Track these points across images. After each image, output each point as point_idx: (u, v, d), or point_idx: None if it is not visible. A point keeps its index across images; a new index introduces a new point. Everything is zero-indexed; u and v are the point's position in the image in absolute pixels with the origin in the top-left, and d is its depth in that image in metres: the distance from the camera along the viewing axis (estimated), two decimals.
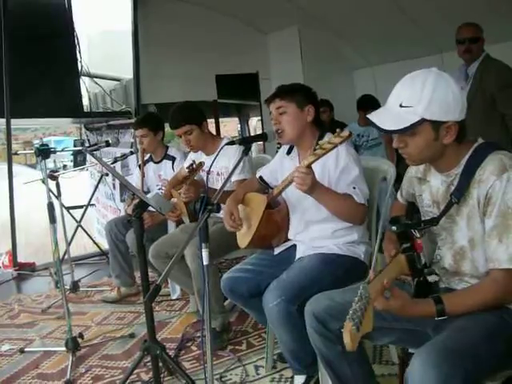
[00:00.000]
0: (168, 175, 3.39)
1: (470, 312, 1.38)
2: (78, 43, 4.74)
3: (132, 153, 3.95)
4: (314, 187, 1.86)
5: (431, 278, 1.48)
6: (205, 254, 1.76)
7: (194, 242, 2.30)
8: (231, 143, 2.18)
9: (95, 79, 5.22)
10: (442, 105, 1.39)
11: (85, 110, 5.16)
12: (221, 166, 2.82)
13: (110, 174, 4.51)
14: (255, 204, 2.29)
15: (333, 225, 2.13)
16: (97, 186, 5.00)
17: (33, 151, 2.77)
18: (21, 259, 4.71)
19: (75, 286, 3.79)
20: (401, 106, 1.42)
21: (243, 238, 2.33)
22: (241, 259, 2.95)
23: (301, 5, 5.08)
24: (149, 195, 2.66)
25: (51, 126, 14.55)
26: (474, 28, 3.20)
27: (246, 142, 2.12)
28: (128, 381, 2.24)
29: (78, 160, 5.37)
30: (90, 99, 5.39)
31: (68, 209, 4.41)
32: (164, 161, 3.49)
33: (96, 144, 3.47)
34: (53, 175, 3.46)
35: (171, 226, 3.33)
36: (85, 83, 4.99)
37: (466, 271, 1.51)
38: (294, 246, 2.27)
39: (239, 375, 2.43)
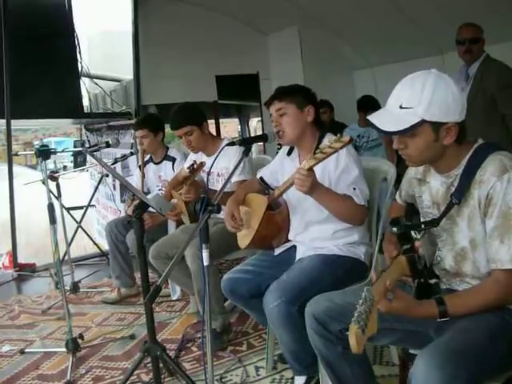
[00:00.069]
0: (168, 176, 3.39)
1: (472, 313, 1.38)
2: (78, 43, 4.74)
3: (132, 154, 3.95)
4: (314, 188, 1.86)
5: (431, 281, 1.48)
6: (205, 254, 1.76)
7: (195, 243, 2.30)
8: (231, 144, 2.18)
9: (95, 80, 5.22)
10: (441, 106, 1.39)
11: (85, 110, 5.16)
12: (221, 166, 2.82)
13: (111, 175, 4.52)
14: (256, 205, 2.29)
15: (333, 226, 2.13)
16: (97, 187, 5.00)
17: (33, 152, 2.76)
18: (21, 260, 4.71)
19: (75, 286, 3.79)
20: (401, 107, 1.42)
21: (244, 238, 2.33)
22: (241, 260, 2.95)
23: (301, 5, 5.08)
24: (149, 196, 2.67)
25: (51, 126, 14.55)
26: (475, 28, 3.20)
27: (246, 142, 2.12)
28: (128, 382, 2.23)
29: (79, 161, 5.36)
30: (90, 100, 5.39)
31: (68, 210, 4.41)
32: (164, 162, 3.48)
33: (96, 145, 3.46)
34: (53, 176, 3.46)
35: (171, 226, 3.33)
36: (85, 84, 4.99)
37: (467, 272, 1.51)
38: (295, 246, 2.27)
39: (240, 376, 2.43)
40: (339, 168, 2.06)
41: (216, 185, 2.85)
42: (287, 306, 1.94)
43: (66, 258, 3.77)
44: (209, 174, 2.56)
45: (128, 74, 5.33)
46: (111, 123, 5.12)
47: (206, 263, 1.76)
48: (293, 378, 2.22)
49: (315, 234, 2.19)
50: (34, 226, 6.36)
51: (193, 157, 3.03)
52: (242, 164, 2.24)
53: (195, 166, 2.65)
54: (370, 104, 4.33)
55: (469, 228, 1.47)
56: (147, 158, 3.55)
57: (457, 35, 3.25)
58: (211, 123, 4.98)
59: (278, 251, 2.31)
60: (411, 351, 1.74)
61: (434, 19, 4.37)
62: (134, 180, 3.68)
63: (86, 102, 5.22)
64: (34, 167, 13.97)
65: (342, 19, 5.09)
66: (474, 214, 1.44)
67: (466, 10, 3.79)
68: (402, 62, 4.88)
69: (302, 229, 2.24)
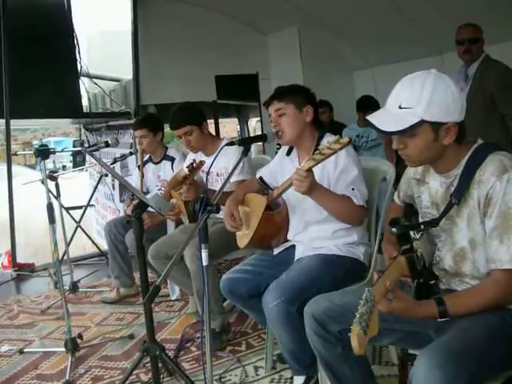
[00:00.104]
0: (167, 176, 3.39)
1: (472, 313, 1.38)
2: (78, 43, 4.74)
3: (131, 153, 3.95)
4: (312, 189, 1.86)
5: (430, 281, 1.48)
6: (204, 254, 1.76)
7: (194, 243, 2.30)
8: (231, 144, 2.17)
9: (95, 80, 5.22)
10: (441, 106, 1.39)
11: (84, 110, 5.16)
12: (220, 166, 2.82)
13: (110, 175, 4.51)
14: (255, 205, 2.29)
15: (332, 226, 2.13)
16: (96, 187, 5.00)
17: (32, 152, 2.76)
18: (20, 260, 4.70)
19: (74, 286, 3.79)
20: (400, 107, 1.42)
21: (243, 238, 2.33)
22: (240, 260, 2.95)
23: (300, 5, 5.08)
24: (148, 196, 2.66)
25: (51, 126, 14.55)
26: (474, 29, 3.20)
27: (245, 142, 2.12)
28: (127, 381, 2.23)
29: (78, 160, 5.37)
30: (89, 100, 5.38)
31: (67, 209, 4.41)
32: (163, 161, 3.48)
33: (95, 144, 3.45)
34: (52, 176, 3.46)
35: (171, 226, 3.33)
36: (84, 84, 4.99)
37: (466, 272, 1.51)
38: (293, 246, 2.27)
39: (239, 376, 2.43)
40: (338, 168, 2.06)
41: (215, 185, 2.85)
42: (286, 306, 1.93)
43: (65, 257, 3.76)
44: (208, 173, 2.56)
45: (127, 74, 5.34)
46: (110, 123, 5.12)
47: (205, 263, 1.76)
48: (292, 378, 2.22)
49: (314, 234, 2.19)
50: (33, 225, 6.35)
51: (192, 157, 3.03)
52: (241, 164, 2.24)
53: (195, 164, 2.65)
54: (369, 104, 4.33)
55: (468, 228, 1.47)
56: (146, 157, 3.55)
57: (456, 35, 3.26)
58: (210, 123, 5.00)
59: (276, 251, 2.31)
60: (410, 351, 1.74)
61: (433, 19, 4.37)
62: (133, 180, 3.68)
63: (85, 102, 5.22)
64: (33, 167, 13.99)
65: (342, 19, 5.09)
66: (473, 214, 1.44)
67: (466, 10, 3.79)
68: (402, 62, 4.88)
69: (302, 229, 2.24)
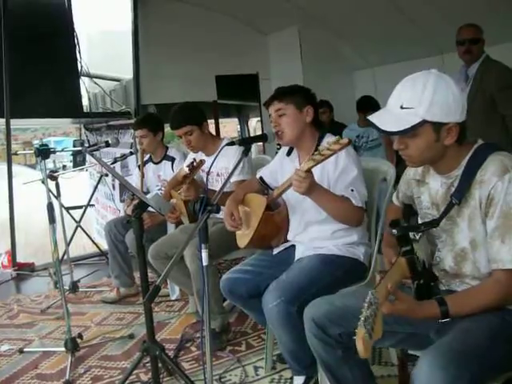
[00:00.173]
0: (167, 176, 3.39)
1: (473, 313, 1.38)
2: (78, 43, 4.73)
3: (132, 153, 3.95)
4: (311, 190, 1.86)
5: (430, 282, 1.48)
6: (204, 254, 1.75)
7: (194, 243, 2.30)
8: (231, 144, 2.18)
9: (95, 79, 5.22)
10: (442, 106, 1.39)
11: (84, 110, 5.16)
12: (220, 166, 2.82)
13: (110, 175, 4.51)
14: (255, 205, 2.29)
15: (332, 226, 2.13)
16: (96, 187, 5.00)
17: (32, 151, 2.75)
18: (20, 259, 4.70)
19: (74, 286, 3.78)
20: (401, 107, 1.42)
21: (243, 238, 2.33)
22: (240, 260, 2.95)
23: (301, 5, 5.08)
24: (148, 196, 2.66)
25: (51, 126, 14.53)
26: (474, 29, 3.20)
27: (245, 142, 2.12)
28: (127, 381, 2.24)
29: (78, 160, 5.37)
30: (89, 99, 5.39)
31: (67, 209, 4.41)
32: (163, 161, 3.48)
33: (96, 144, 3.45)
34: (52, 175, 3.45)
35: (171, 226, 3.33)
36: (84, 83, 4.98)
37: (466, 273, 1.51)
38: (293, 246, 2.27)
39: (238, 376, 2.43)
40: (338, 168, 2.06)
41: (215, 185, 2.85)
42: (286, 306, 1.93)
43: (65, 257, 3.76)
44: (208, 173, 2.56)
45: (128, 74, 5.33)
46: (111, 123, 5.12)
47: (205, 263, 1.75)
48: (292, 378, 2.21)
49: (314, 234, 2.19)
50: (33, 225, 6.35)
51: (192, 156, 3.03)
52: (241, 164, 2.24)
53: (195, 163, 2.65)
54: (369, 104, 4.33)
55: (469, 228, 1.47)
56: (146, 157, 3.55)
57: (457, 36, 3.26)
58: (211, 123, 4.96)
59: (276, 251, 2.31)
60: (410, 351, 1.74)
61: (433, 19, 4.37)
62: (134, 180, 3.68)
63: (85, 102, 5.22)
64: (33, 166, 13.99)
65: (342, 19, 5.09)
66: (474, 215, 1.44)
67: (466, 11, 3.79)
68: (402, 62, 4.87)
69: (302, 229, 2.24)
